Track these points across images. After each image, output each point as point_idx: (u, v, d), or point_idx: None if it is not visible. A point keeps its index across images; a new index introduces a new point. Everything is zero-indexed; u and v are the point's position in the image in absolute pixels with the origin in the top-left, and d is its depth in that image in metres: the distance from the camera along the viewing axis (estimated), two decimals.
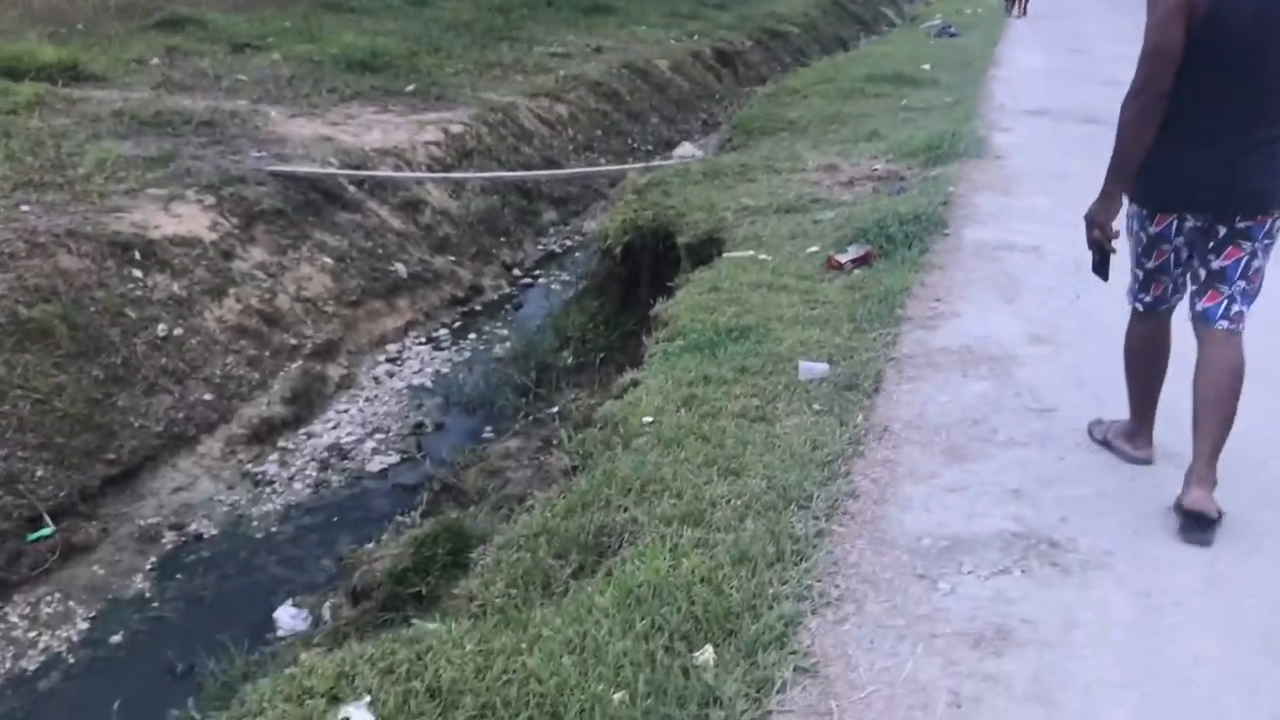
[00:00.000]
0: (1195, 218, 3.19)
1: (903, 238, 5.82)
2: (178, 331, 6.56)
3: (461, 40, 15.88)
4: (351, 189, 9.06)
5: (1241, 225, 3.15)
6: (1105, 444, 3.69)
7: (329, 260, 8.07)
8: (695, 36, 20.30)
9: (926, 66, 13.27)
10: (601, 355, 7.40)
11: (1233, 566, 3.01)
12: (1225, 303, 3.22)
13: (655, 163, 10.00)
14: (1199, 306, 3.28)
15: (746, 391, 4.15)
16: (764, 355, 4.47)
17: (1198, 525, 3.11)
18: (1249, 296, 3.25)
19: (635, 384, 4.59)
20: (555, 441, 5.01)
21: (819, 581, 2.91)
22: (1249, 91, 3.05)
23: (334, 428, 6.83)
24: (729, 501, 3.32)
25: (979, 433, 3.79)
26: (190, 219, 7.37)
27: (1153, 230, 3.27)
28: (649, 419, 4.02)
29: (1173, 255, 3.29)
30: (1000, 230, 6.15)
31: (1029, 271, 5.46)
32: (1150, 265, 3.34)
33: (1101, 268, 3.34)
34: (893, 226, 5.94)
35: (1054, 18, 21.40)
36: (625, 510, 3.38)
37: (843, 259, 5.60)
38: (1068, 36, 17.92)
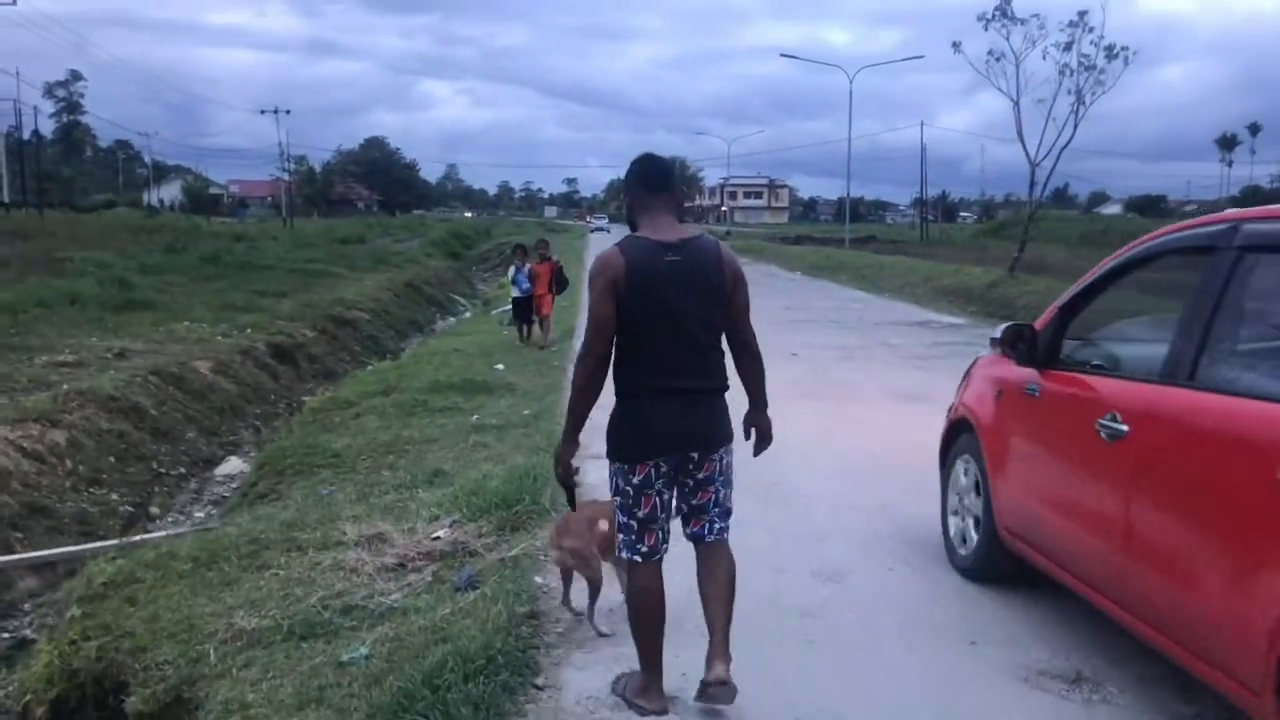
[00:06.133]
0: (666, 460, 3.64)
1: (469, 713, 3.62)
2: None
3: None
4: None
5: (703, 474, 3.71)
6: (624, 700, 3.77)
7: None
8: (249, 330, 17.94)
9: (500, 367, 11.66)
10: None
11: None
12: (709, 524, 3.78)
13: (136, 538, 7.33)
14: (690, 530, 3.82)
15: None
16: None
17: (723, 692, 3.60)
18: (726, 515, 3.82)
19: None
20: None
21: None
22: (682, 344, 3.58)
23: None
24: None
25: None
26: None
27: (636, 480, 3.64)
28: None
29: (657, 500, 3.67)
30: (616, 660, 4.12)
31: None
32: (641, 514, 3.67)
33: (571, 501, 3.99)
34: (454, 688, 3.73)
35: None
36: None
37: None
38: None
